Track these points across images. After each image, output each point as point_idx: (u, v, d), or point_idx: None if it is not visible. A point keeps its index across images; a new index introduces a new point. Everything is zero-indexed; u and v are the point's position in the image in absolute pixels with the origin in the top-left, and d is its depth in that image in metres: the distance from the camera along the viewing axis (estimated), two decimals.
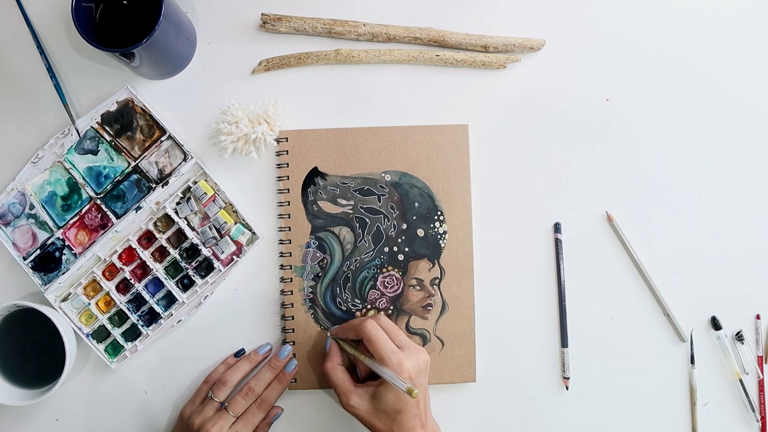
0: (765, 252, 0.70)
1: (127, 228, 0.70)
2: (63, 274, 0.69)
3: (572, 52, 0.71)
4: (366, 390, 0.62)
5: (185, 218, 0.69)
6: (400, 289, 0.69)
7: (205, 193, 0.68)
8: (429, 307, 0.69)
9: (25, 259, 0.69)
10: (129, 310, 0.69)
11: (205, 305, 0.69)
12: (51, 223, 0.69)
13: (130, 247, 0.69)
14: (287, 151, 0.69)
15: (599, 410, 0.70)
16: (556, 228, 0.70)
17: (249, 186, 0.70)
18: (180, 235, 0.69)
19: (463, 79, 0.71)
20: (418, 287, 0.69)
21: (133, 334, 0.69)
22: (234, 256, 0.69)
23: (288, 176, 0.69)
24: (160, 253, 0.70)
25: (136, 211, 0.69)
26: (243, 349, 0.69)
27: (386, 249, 0.69)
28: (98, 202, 0.69)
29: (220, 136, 0.68)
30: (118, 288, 0.70)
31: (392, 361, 0.60)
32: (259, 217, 0.70)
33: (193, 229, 0.69)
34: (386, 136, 0.69)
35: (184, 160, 0.69)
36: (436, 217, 0.69)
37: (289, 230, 0.69)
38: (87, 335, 0.69)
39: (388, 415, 0.61)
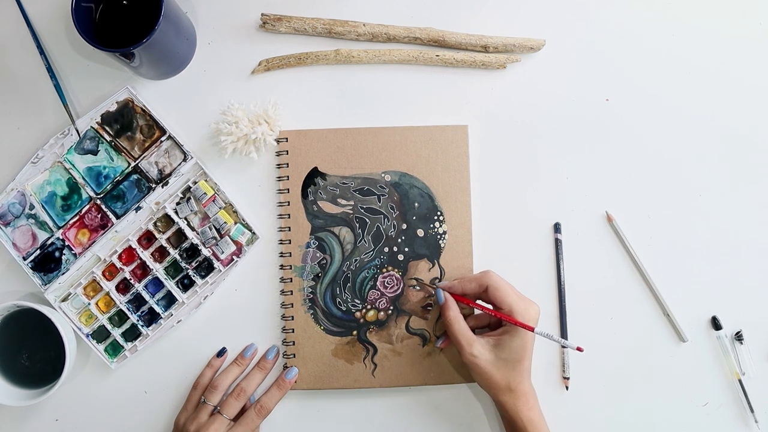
0: (765, 252, 0.70)
1: (127, 228, 0.70)
2: (63, 274, 0.69)
3: (572, 53, 0.71)
4: (488, 339, 0.62)
5: (185, 218, 0.69)
6: (399, 289, 0.69)
7: (205, 193, 0.68)
8: (429, 307, 0.69)
9: (25, 259, 0.69)
10: (129, 310, 0.69)
11: (205, 305, 0.70)
12: (51, 223, 0.69)
13: (130, 247, 0.69)
14: (287, 151, 0.69)
15: (599, 410, 0.70)
16: (556, 228, 0.70)
17: (249, 186, 0.70)
18: (180, 236, 0.69)
19: (463, 80, 0.71)
20: (417, 287, 0.69)
21: (133, 334, 0.69)
22: (234, 256, 0.69)
23: (288, 176, 0.69)
24: (160, 254, 0.70)
25: (136, 211, 0.69)
26: (225, 348, 0.69)
27: (386, 249, 0.69)
28: (98, 202, 0.69)
29: (220, 137, 0.68)
30: (118, 288, 0.70)
31: (520, 307, 0.61)
32: (259, 217, 0.70)
33: (193, 229, 0.69)
34: (386, 136, 0.69)
35: (184, 160, 0.69)
36: (435, 218, 0.69)
37: (289, 230, 0.69)
38: (87, 335, 0.69)
39: (508, 364, 0.61)
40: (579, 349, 0.60)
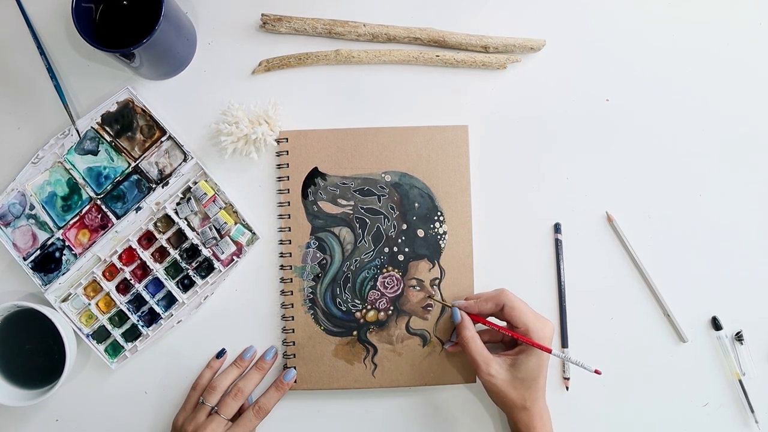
0: (765, 252, 0.70)
1: (128, 228, 0.70)
2: (63, 274, 0.69)
3: (572, 53, 0.71)
4: (504, 359, 0.62)
5: (185, 218, 0.69)
6: (400, 290, 0.69)
7: (205, 193, 0.68)
8: (429, 308, 0.69)
9: (25, 259, 0.69)
10: (129, 310, 0.69)
11: (205, 306, 0.69)
12: (51, 224, 0.69)
13: (130, 247, 0.69)
14: (287, 151, 0.69)
15: (599, 410, 0.70)
16: (556, 228, 0.70)
17: (249, 186, 0.70)
18: (180, 236, 0.69)
19: (463, 80, 0.71)
20: (418, 287, 0.69)
21: (133, 334, 0.69)
22: (234, 257, 0.69)
23: (288, 176, 0.69)
24: (161, 254, 0.70)
25: (137, 212, 0.69)
26: (224, 349, 0.69)
27: (386, 249, 0.69)
28: (98, 202, 0.69)
29: (220, 137, 0.68)
30: (118, 288, 0.70)
31: (536, 326, 0.61)
32: (259, 217, 0.70)
33: (193, 229, 0.69)
34: (386, 136, 0.69)
35: (184, 160, 0.69)
36: (436, 218, 0.69)
37: (289, 230, 0.69)
38: (87, 335, 0.69)
39: (524, 383, 0.61)
40: (597, 371, 0.60)
